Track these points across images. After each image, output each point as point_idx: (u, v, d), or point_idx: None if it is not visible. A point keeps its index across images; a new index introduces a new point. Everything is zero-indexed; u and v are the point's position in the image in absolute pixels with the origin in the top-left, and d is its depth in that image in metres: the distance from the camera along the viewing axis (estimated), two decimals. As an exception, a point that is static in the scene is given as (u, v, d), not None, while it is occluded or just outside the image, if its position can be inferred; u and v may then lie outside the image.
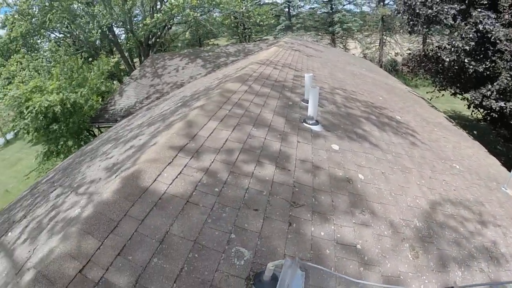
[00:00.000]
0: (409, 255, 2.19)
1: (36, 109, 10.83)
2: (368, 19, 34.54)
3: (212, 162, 2.57)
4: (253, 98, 4.32)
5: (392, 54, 30.68)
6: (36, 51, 17.19)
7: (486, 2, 9.81)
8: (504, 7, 9.46)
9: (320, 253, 1.92)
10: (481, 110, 12.12)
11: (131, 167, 2.33)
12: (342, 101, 5.54)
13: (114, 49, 19.38)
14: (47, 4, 14.22)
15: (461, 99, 12.91)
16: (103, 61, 14.00)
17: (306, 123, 3.90)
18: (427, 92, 14.50)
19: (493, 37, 9.30)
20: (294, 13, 36.57)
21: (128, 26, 17.42)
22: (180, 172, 2.33)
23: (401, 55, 28.01)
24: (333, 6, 34.59)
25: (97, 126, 14.52)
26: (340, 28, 33.00)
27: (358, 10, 36.13)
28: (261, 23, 16.19)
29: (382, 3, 32.62)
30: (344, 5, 35.36)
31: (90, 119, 13.97)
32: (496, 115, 10.38)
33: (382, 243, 2.20)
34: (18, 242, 2.45)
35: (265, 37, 33.26)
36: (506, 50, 9.02)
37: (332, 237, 2.09)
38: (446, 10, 10.23)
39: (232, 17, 21.21)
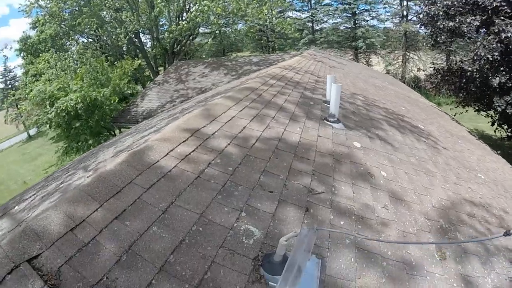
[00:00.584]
0: (435, 255, 1.93)
1: (62, 108, 11.03)
2: (391, 35, 34.03)
3: (228, 144, 2.40)
4: (274, 95, 4.16)
5: (415, 71, 30.03)
6: (64, 52, 17.71)
7: (510, 10, 9.45)
8: None
9: (339, 242, 1.70)
10: (505, 127, 11.63)
11: (142, 144, 2.19)
12: (363, 106, 5.30)
13: (140, 55, 19.77)
14: (77, 8, 14.66)
15: (484, 116, 12.43)
16: (127, 62, 14.23)
17: (328, 120, 3.70)
18: (450, 109, 14.06)
19: None
20: (318, 27, 36.61)
21: (154, 34, 17.77)
22: (193, 150, 2.17)
23: (424, 70, 27.34)
24: (356, 21, 34.39)
25: (117, 126, 14.69)
26: (363, 43, 32.59)
27: (382, 26, 35.71)
28: (285, 33, 16.15)
29: (405, 19, 32.20)
30: (367, 21, 35.06)
31: (111, 119, 14.13)
32: None
33: (406, 236, 1.96)
34: (25, 209, 2.33)
35: (288, 50, 33.39)
36: None
37: (352, 227, 1.86)
38: (469, 21, 9.93)
39: (256, 29, 21.34)
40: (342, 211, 1.97)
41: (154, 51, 18.72)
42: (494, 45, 9.34)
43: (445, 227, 2.30)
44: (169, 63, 19.75)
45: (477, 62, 9.96)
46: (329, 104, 4.08)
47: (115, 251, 1.30)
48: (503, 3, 9.45)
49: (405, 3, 33.75)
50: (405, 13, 33.34)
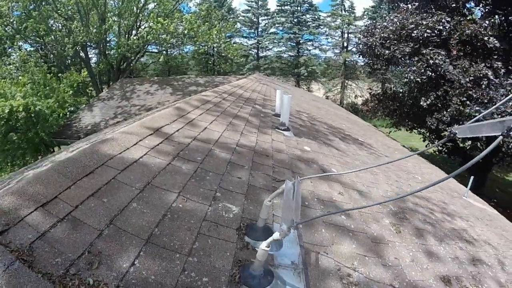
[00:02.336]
0: (391, 229, 2.09)
1: (0, 114, 9.70)
2: (332, 64, 36.47)
3: (192, 141, 2.36)
4: (229, 105, 4.22)
5: (352, 97, 32.25)
6: (6, 56, 15.96)
7: (438, 40, 10.85)
8: (453, 44, 10.48)
9: (310, 217, 1.76)
10: (436, 142, 13.02)
11: (107, 136, 2.06)
12: (308, 120, 5.59)
13: (85, 69, 18.58)
14: (25, 12, 13.45)
15: (417, 134, 13.75)
16: (73, 74, 13.25)
17: (279, 129, 3.82)
18: (383, 127, 15.31)
19: (442, 70, 10.19)
20: (262, 54, 37.97)
21: (102, 49, 16.92)
22: (160, 143, 2.10)
23: (361, 97, 29.47)
24: (299, 50, 36.37)
25: (56, 143, 13.40)
26: (305, 71, 34.41)
27: (323, 55, 38.18)
28: (231, 58, 16.45)
29: (345, 49, 34.83)
30: (310, 50, 37.27)
31: (51, 134, 12.87)
32: (450, 145, 11.14)
33: (364, 217, 2.08)
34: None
35: (233, 75, 34.02)
36: (455, 79, 9.91)
37: (317, 206, 1.93)
38: (401, 48, 11.14)
39: (203, 51, 21.40)
40: (305, 196, 2.04)
41: (100, 66, 17.73)
42: (422, 70, 10.58)
43: (395, 211, 2.49)
44: (114, 81, 18.81)
45: (407, 85, 11.20)
46: (278, 117, 4.25)
47: (95, 225, 1.19)
48: (432, 34, 10.80)
49: (346, 35, 36.73)
50: (345, 44, 36.24)
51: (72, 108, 15.62)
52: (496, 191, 13.87)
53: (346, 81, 34.32)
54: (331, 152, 3.69)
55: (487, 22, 10.33)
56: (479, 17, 11.17)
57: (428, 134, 13.10)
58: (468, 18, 11.09)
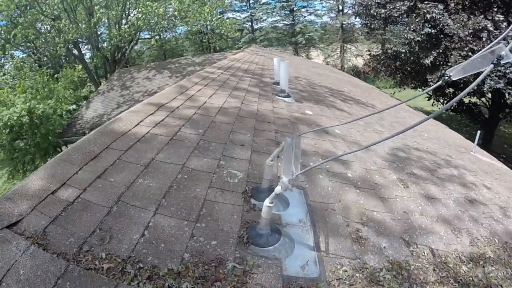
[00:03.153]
0: (399, 184, 2.09)
1: (4, 122, 9.76)
2: (329, 29, 35.35)
3: (193, 114, 2.36)
4: (227, 78, 4.18)
5: (353, 60, 31.40)
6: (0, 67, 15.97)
7: None
8: None
9: (313, 177, 1.77)
10: (442, 101, 12.76)
11: (113, 118, 2.08)
12: (309, 85, 5.52)
13: (79, 64, 18.47)
14: (10, 21, 13.29)
15: (421, 91, 13.48)
16: (69, 72, 13.20)
17: (279, 96, 3.78)
18: (386, 88, 15.02)
19: (441, 24, 9.82)
20: (257, 26, 37.00)
21: (94, 43, 16.71)
22: (163, 120, 2.11)
23: (361, 57, 28.63)
24: (294, 18, 35.27)
25: (63, 142, 13.54)
26: (302, 38, 33.45)
27: (319, 21, 36.96)
28: (225, 34, 16.09)
29: (341, 13, 33.65)
30: (305, 17, 36.09)
31: (57, 135, 12.98)
32: (456, 103, 10.93)
33: (370, 174, 2.08)
34: None
35: (229, 50, 33.45)
36: (454, 33, 9.56)
37: (322, 166, 1.94)
38: (398, 7, 10.71)
39: (197, 30, 20.95)
40: (310, 154, 2.05)
41: (94, 60, 17.60)
42: (421, 26, 10.20)
43: (400, 166, 2.48)
44: (111, 72, 18.69)
45: (407, 45, 10.83)
46: (277, 85, 4.20)
47: (103, 204, 1.22)
48: None
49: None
50: (340, 7, 35.00)
51: (74, 106, 15.69)
52: (505, 147, 13.64)
53: (345, 45, 33.31)
54: (334, 114, 3.66)
55: None
56: None
57: (432, 92, 12.82)
58: None
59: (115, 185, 1.33)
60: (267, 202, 1.06)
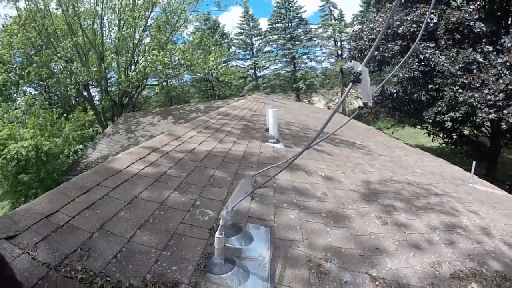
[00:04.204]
0: (377, 222, 2.25)
1: (11, 154, 10.17)
2: (329, 74, 36.95)
3: (181, 159, 2.64)
4: (222, 125, 4.52)
5: (354, 103, 32.34)
6: (12, 101, 16.78)
7: (425, 33, 11.12)
8: (440, 35, 10.69)
9: (285, 216, 1.97)
10: (441, 135, 13.09)
11: (110, 158, 2.35)
12: (302, 130, 5.85)
13: (88, 107, 19.38)
14: (26, 58, 14.29)
15: (421, 129, 13.85)
16: (80, 114, 13.87)
17: (268, 142, 4.07)
18: (387, 128, 15.40)
19: (433, 63, 10.38)
20: (260, 74, 38.90)
21: (103, 86, 17.69)
22: (152, 163, 2.38)
23: (361, 99, 29.41)
24: (296, 65, 37.15)
25: (67, 180, 13.81)
26: (304, 84, 34.97)
27: (320, 67, 38.86)
28: (229, 82, 16.99)
29: (340, 57, 35.31)
30: (306, 63, 38.04)
31: (62, 172, 13.33)
32: (456, 135, 11.19)
33: (347, 214, 2.27)
34: None
35: (233, 97, 34.69)
36: (445, 70, 10.09)
37: (295, 207, 2.14)
38: (390, 47, 11.40)
39: (201, 78, 22.08)
40: (285, 200, 2.26)
41: (103, 103, 18.47)
42: (414, 66, 10.81)
43: (384, 203, 2.64)
44: (118, 115, 19.52)
45: (399, 84, 11.43)
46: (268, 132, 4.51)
47: (87, 230, 1.45)
48: (418, 28, 11.11)
49: (339, 43, 37.38)
50: (339, 52, 36.86)
51: (80, 146, 16.20)
52: (510, 173, 13.68)
53: (345, 88, 34.64)
54: (322, 157, 3.90)
55: (471, 7, 10.55)
56: (462, 3, 11.39)
57: (431, 128, 13.25)
58: (451, 5, 11.35)
59: (100, 215, 1.56)
60: (217, 233, 1.28)
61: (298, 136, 5.03)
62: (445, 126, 12.48)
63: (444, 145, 14.16)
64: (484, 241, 2.41)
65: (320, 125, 8.32)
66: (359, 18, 35.62)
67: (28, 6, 14.37)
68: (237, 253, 1.50)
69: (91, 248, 1.33)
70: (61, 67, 16.29)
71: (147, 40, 16.68)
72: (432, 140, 14.12)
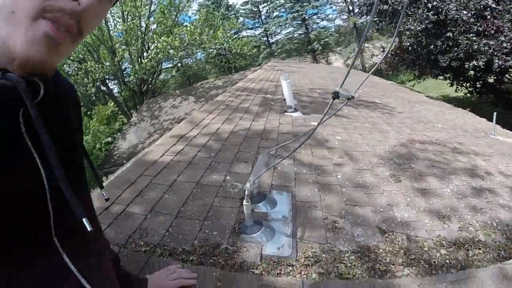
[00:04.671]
0: (390, 179, 2.47)
1: None
2: (343, 31, 35.68)
3: (208, 141, 2.94)
4: (240, 102, 4.77)
5: (372, 59, 31.33)
6: None
7: None
8: None
9: (304, 181, 2.24)
10: (465, 84, 12.72)
11: (144, 151, 2.70)
12: (320, 96, 5.98)
13: (110, 100, 20.14)
14: None
15: (443, 79, 13.52)
16: (101, 108, 14.52)
17: (287, 112, 4.30)
18: (408, 81, 15.05)
19: (443, 11, 9.98)
20: (273, 40, 38.19)
21: (120, 78, 18.25)
22: (182, 149, 2.70)
23: (377, 56, 28.54)
24: (307, 26, 36.07)
25: (103, 173, 14.78)
26: (319, 45, 34.13)
27: (332, 25, 37.50)
28: (243, 53, 16.99)
29: (352, 13, 33.89)
30: (317, 23, 36.82)
31: (97, 166, 14.26)
32: (479, 84, 10.89)
33: (362, 175, 2.50)
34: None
35: (249, 67, 34.52)
36: (457, 18, 9.71)
37: (313, 172, 2.41)
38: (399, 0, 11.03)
39: (215, 54, 22.13)
40: (303, 164, 2.53)
41: (122, 94, 19.11)
42: (424, 16, 10.42)
43: (398, 162, 2.85)
44: (140, 104, 20.18)
45: (413, 37, 11.07)
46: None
47: (141, 213, 1.79)
48: None
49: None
50: (350, 8, 35.28)
51: (109, 139, 17.05)
52: None
53: (362, 45, 33.35)
54: (340, 122, 4.09)
55: None
56: None
57: (453, 77, 12.80)
58: None
59: (148, 200, 1.90)
60: (244, 201, 1.57)
61: (316, 102, 5.20)
62: (467, 74, 12.02)
63: (468, 95, 13.62)
64: (500, 195, 2.46)
65: (337, 87, 8.35)
66: None
67: None
68: (264, 216, 1.80)
69: (147, 227, 1.67)
70: (75, 68, 16.90)
71: (154, 26, 16.84)
72: (455, 91, 13.63)
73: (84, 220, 0.48)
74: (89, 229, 0.48)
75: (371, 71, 1.77)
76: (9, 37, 0.45)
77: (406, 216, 1.99)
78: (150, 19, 16.56)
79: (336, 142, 3.18)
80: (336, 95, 1.24)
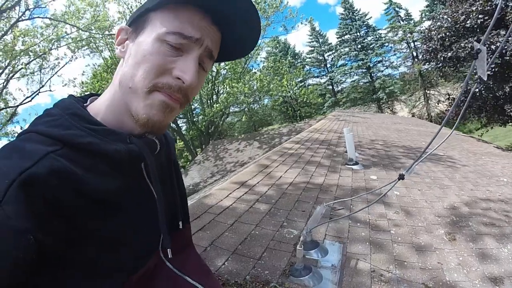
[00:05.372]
0: (444, 238, 2.42)
1: None
2: (408, 79, 34.90)
3: (269, 189, 3.18)
4: (303, 152, 5.01)
5: (438, 107, 29.84)
6: None
7: (493, 22, 10.07)
8: (510, 20, 9.63)
9: (357, 234, 2.33)
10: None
11: (207, 193, 3.02)
12: (383, 148, 5.96)
13: (178, 138, 21.78)
14: None
15: (511, 126, 12.50)
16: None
17: (348, 164, 4.41)
18: (476, 130, 14.09)
19: (507, 53, 9.38)
20: (338, 88, 38.76)
21: (189, 117, 19.84)
22: (244, 194, 2.97)
23: (443, 102, 27.10)
24: (372, 74, 36.10)
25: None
26: (383, 94, 33.74)
27: (397, 72, 37.10)
28: (308, 102, 17.53)
29: (416, 59, 33.15)
30: (382, 71, 36.72)
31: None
32: None
33: (416, 231, 2.50)
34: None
35: (314, 116, 34.97)
36: None
37: (366, 226, 2.48)
38: (463, 46, 10.62)
39: (280, 101, 23.03)
40: (358, 220, 2.61)
41: (190, 133, 20.60)
42: (489, 60, 9.87)
43: (455, 220, 2.76)
44: (205, 144, 21.53)
45: (477, 82, 10.51)
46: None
47: (202, 245, 2.04)
48: (485, 18, 10.20)
49: (412, 45, 35.28)
50: (414, 54, 34.66)
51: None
52: None
53: (428, 92, 32.15)
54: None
55: None
56: None
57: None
58: None
59: (209, 235, 2.16)
60: (298, 246, 1.73)
61: (378, 156, 5.21)
62: None
63: None
64: None
65: (401, 139, 8.20)
66: (427, 13, 33.01)
67: (112, 54, 17.15)
68: (314, 263, 1.93)
69: (205, 258, 1.90)
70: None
71: (224, 71, 18.28)
72: None
73: (168, 250, 0.61)
74: (170, 256, 0.61)
75: (431, 140, 1.88)
76: (132, 104, 0.57)
77: (456, 275, 1.95)
78: (221, 64, 18.13)
79: (394, 197, 3.20)
80: (401, 177, 1.38)
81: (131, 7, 15.62)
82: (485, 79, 1.18)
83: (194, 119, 20.78)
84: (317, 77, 41.32)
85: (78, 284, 0.48)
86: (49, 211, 0.44)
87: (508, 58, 9.64)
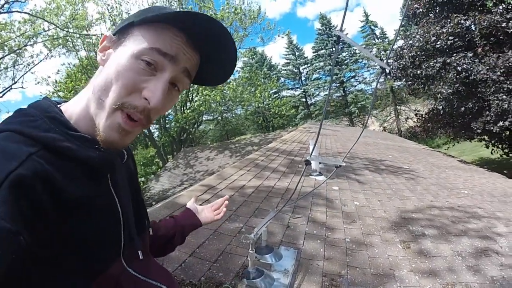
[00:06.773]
0: (399, 246, 2.60)
1: None
2: (380, 94, 36.32)
3: (232, 195, 3.29)
4: (268, 163, 5.16)
5: (409, 122, 31.22)
6: None
7: (462, 44, 10.92)
8: (477, 43, 10.49)
9: (313, 242, 2.47)
10: (501, 146, 12.47)
11: (176, 195, 3.09)
12: (347, 161, 6.23)
13: (149, 143, 21.50)
14: None
15: (478, 141, 13.32)
16: (143, 152, 15.50)
17: (312, 175, 4.59)
18: (443, 144, 14.91)
19: (473, 74, 10.11)
20: (311, 101, 39.72)
21: (162, 123, 19.64)
22: (208, 199, 3.06)
23: (411, 119, 28.42)
24: (345, 89, 37.37)
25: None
26: (355, 108, 34.96)
27: (369, 88, 38.54)
28: (281, 113, 17.86)
29: (389, 76, 34.69)
30: (355, 86, 38.16)
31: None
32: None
33: (371, 239, 2.67)
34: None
35: (286, 127, 35.50)
36: (487, 78, 9.79)
37: (323, 234, 2.63)
38: (432, 65, 11.34)
39: (253, 111, 23.31)
40: (316, 225, 2.76)
41: (162, 139, 20.38)
42: (454, 80, 10.69)
43: (411, 229, 2.90)
44: (177, 151, 21.32)
45: (444, 100, 11.30)
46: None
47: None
48: (455, 40, 11.03)
49: (385, 61, 36.68)
50: (387, 70, 36.17)
51: (143, 179, 17.90)
52: None
53: (398, 108, 33.75)
54: (362, 187, 4.29)
55: (500, 7, 10.14)
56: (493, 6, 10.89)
57: (488, 139, 12.62)
58: (483, 10, 10.96)
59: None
60: (250, 250, 1.85)
61: (342, 167, 5.45)
62: (503, 135, 11.81)
63: (504, 156, 13.35)
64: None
65: (367, 151, 8.58)
66: (401, 33, 34.78)
67: (88, 54, 16.80)
68: (268, 267, 2.05)
69: (163, 259, 1.97)
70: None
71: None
72: (491, 152, 13.39)
73: (139, 252, 0.67)
74: (141, 257, 0.68)
75: (356, 140, 2.07)
76: (96, 118, 0.58)
77: (407, 281, 2.11)
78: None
79: (353, 207, 3.39)
80: (308, 162, 1.48)
81: (111, 8, 15.41)
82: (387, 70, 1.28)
83: (167, 126, 20.59)
84: (292, 89, 42.28)
85: (49, 279, 0.48)
86: (32, 213, 0.45)
87: (473, 78, 10.38)
